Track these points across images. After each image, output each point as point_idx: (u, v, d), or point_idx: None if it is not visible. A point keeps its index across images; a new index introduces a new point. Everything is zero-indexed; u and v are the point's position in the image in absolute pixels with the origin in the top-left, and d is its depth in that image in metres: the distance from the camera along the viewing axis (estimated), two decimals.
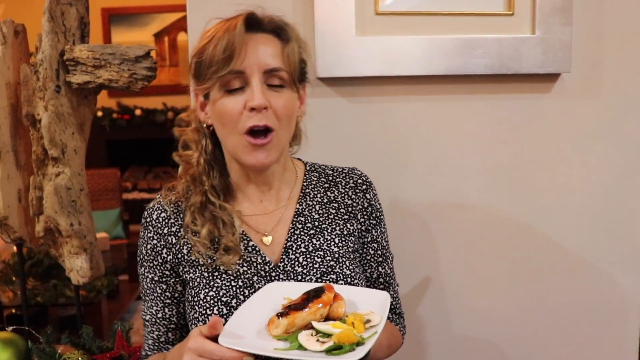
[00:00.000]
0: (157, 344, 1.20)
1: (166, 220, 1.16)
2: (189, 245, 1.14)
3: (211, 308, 1.09)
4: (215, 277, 1.12)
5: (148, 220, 1.18)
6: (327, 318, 1.01)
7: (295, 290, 1.06)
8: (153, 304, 1.18)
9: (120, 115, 5.71)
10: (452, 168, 1.58)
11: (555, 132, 1.58)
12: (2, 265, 3.15)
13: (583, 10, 1.52)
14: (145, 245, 1.17)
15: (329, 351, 0.92)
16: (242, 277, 1.12)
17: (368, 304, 1.05)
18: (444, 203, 1.59)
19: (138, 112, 5.69)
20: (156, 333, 1.19)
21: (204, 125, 1.16)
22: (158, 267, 1.16)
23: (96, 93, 1.55)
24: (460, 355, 1.66)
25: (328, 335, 0.95)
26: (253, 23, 1.08)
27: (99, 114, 5.56)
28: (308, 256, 1.15)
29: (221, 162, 1.18)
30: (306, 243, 1.16)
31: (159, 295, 1.17)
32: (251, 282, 1.12)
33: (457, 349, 1.66)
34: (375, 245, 1.25)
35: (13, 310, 3.09)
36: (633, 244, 1.64)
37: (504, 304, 1.64)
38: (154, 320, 1.18)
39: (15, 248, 1.67)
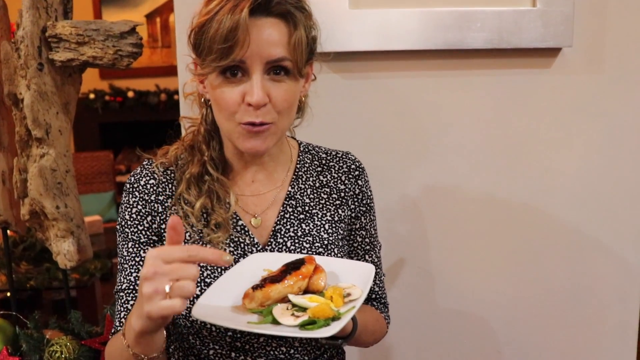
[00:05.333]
0: None
1: (154, 188, 1.11)
2: None
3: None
4: None
5: (135, 186, 1.11)
6: (307, 291, 0.97)
7: (277, 261, 1.02)
8: (133, 270, 1.08)
9: (112, 98, 5.65)
10: (448, 145, 1.55)
11: (556, 108, 1.55)
12: None
13: None
14: (129, 210, 1.10)
15: (302, 326, 0.88)
16: None
17: (351, 276, 1.01)
18: (440, 181, 1.56)
19: (130, 94, 5.64)
20: (132, 302, 1.07)
21: (202, 99, 1.11)
22: (143, 231, 1.10)
23: (81, 71, 1.50)
24: (454, 337, 1.64)
25: (304, 309, 0.91)
26: (260, 6, 0.97)
27: (91, 96, 5.50)
28: (296, 241, 1.12)
29: (220, 134, 1.13)
30: (295, 227, 1.13)
31: (143, 259, 1.07)
32: (237, 263, 1.07)
33: (452, 331, 1.64)
34: (364, 233, 1.22)
35: (8, 294, 3.06)
36: (634, 223, 1.61)
37: (501, 285, 1.62)
38: (132, 287, 1.08)
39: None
